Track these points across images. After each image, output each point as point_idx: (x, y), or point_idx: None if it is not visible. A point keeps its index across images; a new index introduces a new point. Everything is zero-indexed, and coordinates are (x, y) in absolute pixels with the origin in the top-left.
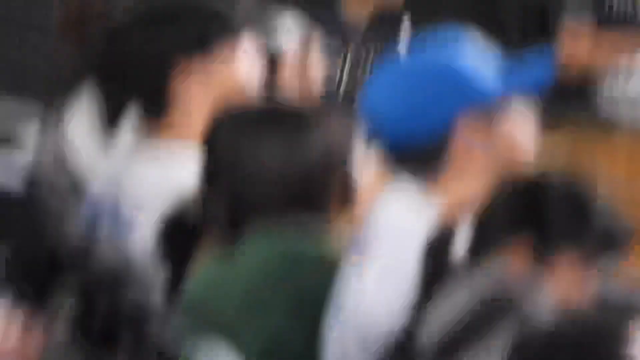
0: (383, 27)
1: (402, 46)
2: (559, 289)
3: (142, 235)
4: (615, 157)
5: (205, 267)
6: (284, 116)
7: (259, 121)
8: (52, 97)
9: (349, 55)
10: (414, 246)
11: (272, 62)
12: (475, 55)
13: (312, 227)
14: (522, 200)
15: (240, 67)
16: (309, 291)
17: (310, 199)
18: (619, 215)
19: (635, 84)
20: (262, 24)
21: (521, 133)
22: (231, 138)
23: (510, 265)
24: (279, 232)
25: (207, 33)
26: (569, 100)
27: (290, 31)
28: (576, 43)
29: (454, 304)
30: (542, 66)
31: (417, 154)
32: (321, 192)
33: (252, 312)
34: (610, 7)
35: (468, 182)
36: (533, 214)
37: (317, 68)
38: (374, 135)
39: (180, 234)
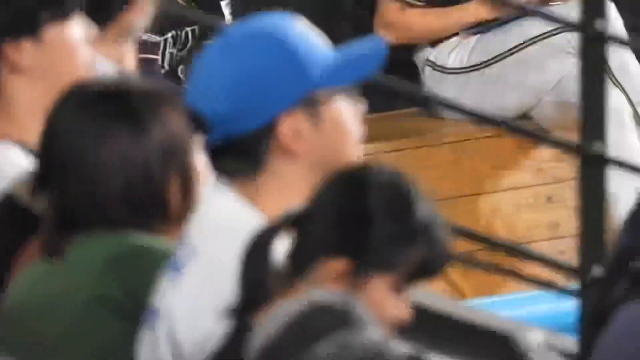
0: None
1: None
2: (371, 309)
3: None
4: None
5: (29, 277)
6: (126, 105)
7: (99, 113)
8: None
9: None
10: (235, 247)
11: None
12: (305, 38)
13: (148, 228)
14: (343, 205)
15: (75, 55)
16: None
17: (149, 199)
18: (441, 223)
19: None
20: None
21: (349, 125)
22: (68, 130)
23: (325, 282)
24: (112, 237)
25: (34, 13)
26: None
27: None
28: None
29: (281, 311)
30: (371, 55)
31: (237, 145)
32: (160, 189)
33: (82, 329)
34: None
35: (292, 178)
36: (353, 225)
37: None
38: (197, 123)
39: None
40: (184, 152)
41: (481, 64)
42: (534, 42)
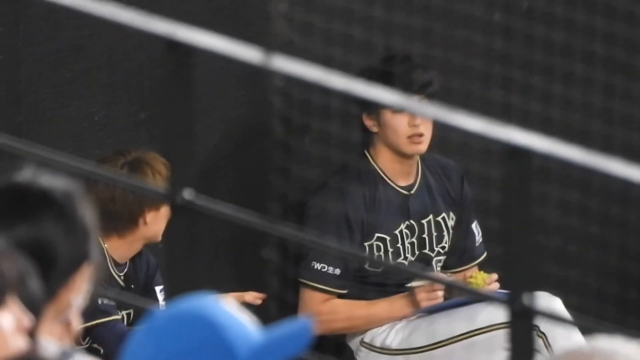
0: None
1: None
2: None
3: None
4: None
5: None
6: None
7: None
8: None
9: None
10: None
11: None
12: (231, 319)
13: None
14: None
15: (5, 345)
16: None
17: None
18: None
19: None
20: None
21: None
22: None
23: None
24: None
25: None
26: None
27: None
28: None
29: None
30: (297, 336)
31: None
32: None
33: None
34: None
35: None
36: None
37: None
38: None
39: None
40: None
41: (426, 346)
42: (482, 332)
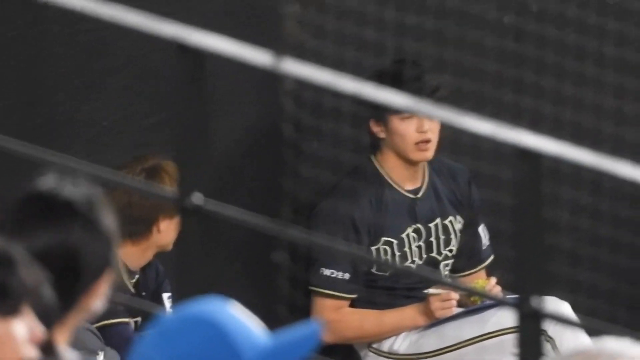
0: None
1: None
2: None
3: None
4: None
5: None
6: None
7: None
8: None
9: None
10: None
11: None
12: (239, 323)
13: None
14: None
15: (17, 354)
16: None
17: None
18: None
19: None
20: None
21: None
22: None
23: None
24: None
25: None
26: None
27: None
28: None
29: None
30: (305, 339)
31: None
32: None
33: None
34: None
35: None
36: None
37: None
38: None
39: None
40: None
41: (435, 351)
42: (492, 336)
